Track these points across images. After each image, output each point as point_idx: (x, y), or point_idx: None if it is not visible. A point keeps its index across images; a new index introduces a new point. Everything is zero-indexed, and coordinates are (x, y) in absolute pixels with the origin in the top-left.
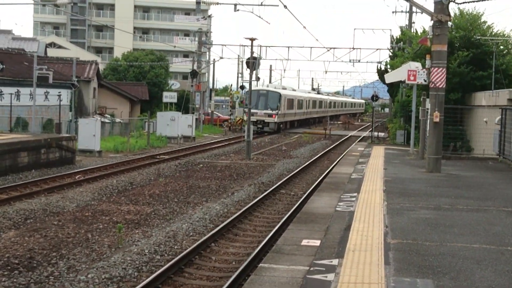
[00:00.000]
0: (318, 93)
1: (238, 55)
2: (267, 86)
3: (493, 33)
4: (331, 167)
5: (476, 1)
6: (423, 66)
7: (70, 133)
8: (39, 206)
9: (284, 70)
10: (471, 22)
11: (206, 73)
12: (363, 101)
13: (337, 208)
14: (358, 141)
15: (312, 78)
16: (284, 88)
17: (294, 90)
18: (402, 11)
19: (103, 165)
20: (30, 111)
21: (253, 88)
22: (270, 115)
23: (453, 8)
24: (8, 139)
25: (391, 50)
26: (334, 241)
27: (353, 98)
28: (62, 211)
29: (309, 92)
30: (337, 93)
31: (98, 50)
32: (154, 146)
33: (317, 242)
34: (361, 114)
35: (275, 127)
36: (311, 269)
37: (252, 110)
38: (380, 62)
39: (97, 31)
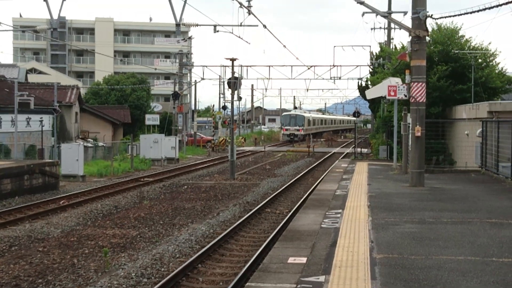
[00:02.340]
0: (324, 113)
1: (220, 76)
2: (295, 110)
3: (471, 46)
4: (315, 184)
5: (453, 16)
6: (403, 81)
7: (53, 158)
8: (23, 233)
9: (266, 89)
10: (449, 36)
11: (188, 95)
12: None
13: (322, 225)
14: (342, 158)
15: (294, 96)
16: (305, 112)
17: (309, 112)
18: (380, 28)
19: (87, 190)
20: (12, 138)
21: (286, 112)
22: (298, 130)
23: (430, 23)
24: None
25: (371, 67)
26: (320, 258)
27: (348, 115)
28: (47, 237)
29: (317, 113)
30: (319, 110)
31: (79, 75)
32: (138, 169)
33: (303, 260)
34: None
35: (302, 137)
36: (298, 286)
37: (286, 127)
38: (360, 79)
39: (78, 56)
